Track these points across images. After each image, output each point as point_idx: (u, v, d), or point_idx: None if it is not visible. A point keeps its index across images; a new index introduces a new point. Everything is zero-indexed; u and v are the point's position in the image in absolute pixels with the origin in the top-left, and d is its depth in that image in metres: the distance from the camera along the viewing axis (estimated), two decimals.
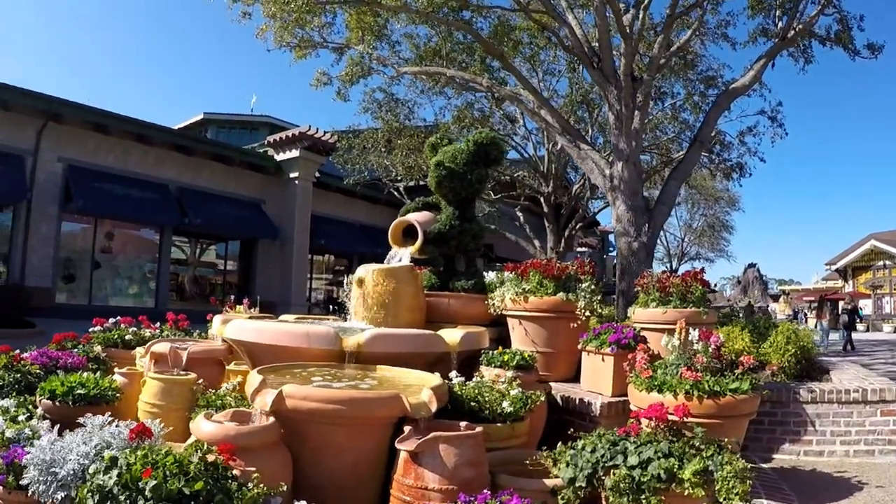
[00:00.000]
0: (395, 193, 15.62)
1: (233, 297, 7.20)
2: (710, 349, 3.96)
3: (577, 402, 4.47)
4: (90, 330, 5.82)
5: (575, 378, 5.04)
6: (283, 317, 5.92)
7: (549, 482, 2.86)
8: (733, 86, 8.79)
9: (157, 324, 6.21)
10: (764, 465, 4.41)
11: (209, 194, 17.48)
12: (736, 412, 3.71)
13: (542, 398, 3.79)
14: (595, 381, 4.66)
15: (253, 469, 2.60)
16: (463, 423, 2.96)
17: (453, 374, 3.77)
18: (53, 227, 13.96)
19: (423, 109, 13.49)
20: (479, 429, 2.88)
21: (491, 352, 4.47)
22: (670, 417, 3.14)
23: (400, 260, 6.06)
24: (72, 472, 2.55)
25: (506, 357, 4.34)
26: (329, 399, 2.84)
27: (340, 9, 9.00)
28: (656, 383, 3.85)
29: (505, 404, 3.37)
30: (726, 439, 3.10)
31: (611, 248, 35.86)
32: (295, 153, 18.07)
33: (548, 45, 10.66)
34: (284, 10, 8.33)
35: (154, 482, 2.21)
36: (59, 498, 2.50)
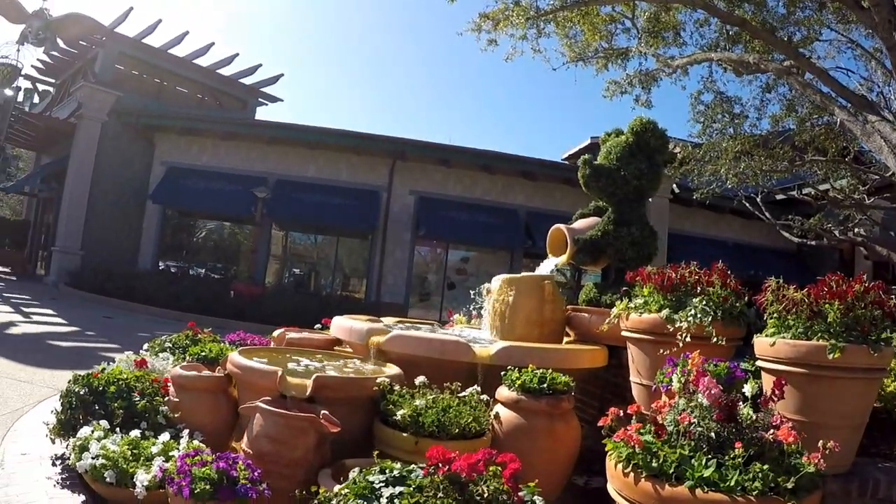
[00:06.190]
0: (747, 205, 14.62)
1: (463, 308, 8.69)
2: (703, 401, 2.97)
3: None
4: (315, 327, 8.11)
5: None
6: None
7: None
8: None
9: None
10: None
11: (558, 218, 19.36)
12: None
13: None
14: None
15: (177, 399, 4.13)
16: (324, 412, 3.47)
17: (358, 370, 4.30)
18: (406, 252, 18.16)
19: (773, 105, 12.34)
20: (307, 415, 3.38)
21: (516, 369, 4.37)
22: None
23: (548, 270, 6.51)
24: None
25: (513, 376, 4.30)
26: (238, 366, 4.05)
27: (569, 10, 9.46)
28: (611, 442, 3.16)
29: (400, 412, 3.68)
30: None
31: None
32: None
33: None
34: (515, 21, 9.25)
35: (90, 381, 4.08)
36: None
